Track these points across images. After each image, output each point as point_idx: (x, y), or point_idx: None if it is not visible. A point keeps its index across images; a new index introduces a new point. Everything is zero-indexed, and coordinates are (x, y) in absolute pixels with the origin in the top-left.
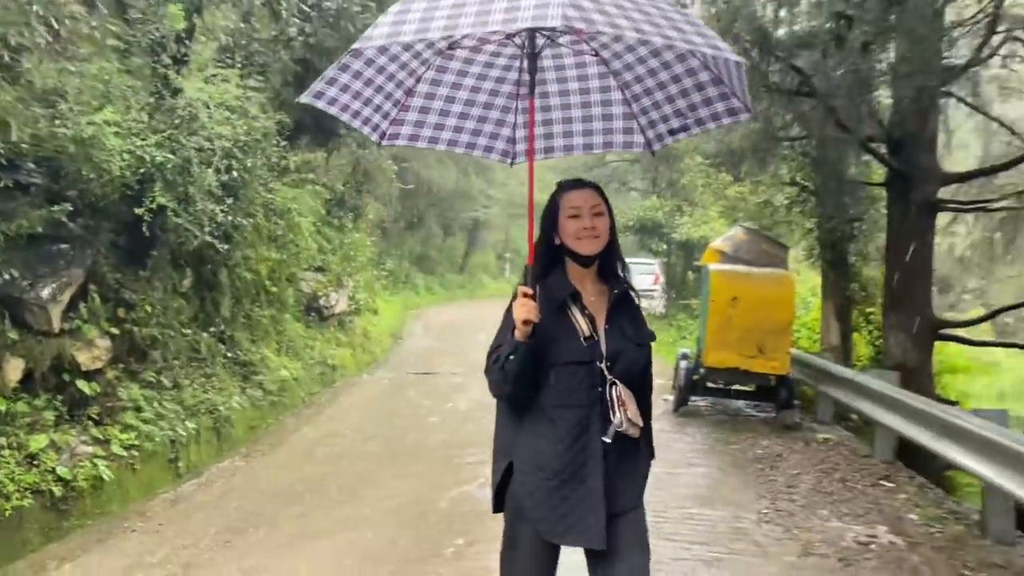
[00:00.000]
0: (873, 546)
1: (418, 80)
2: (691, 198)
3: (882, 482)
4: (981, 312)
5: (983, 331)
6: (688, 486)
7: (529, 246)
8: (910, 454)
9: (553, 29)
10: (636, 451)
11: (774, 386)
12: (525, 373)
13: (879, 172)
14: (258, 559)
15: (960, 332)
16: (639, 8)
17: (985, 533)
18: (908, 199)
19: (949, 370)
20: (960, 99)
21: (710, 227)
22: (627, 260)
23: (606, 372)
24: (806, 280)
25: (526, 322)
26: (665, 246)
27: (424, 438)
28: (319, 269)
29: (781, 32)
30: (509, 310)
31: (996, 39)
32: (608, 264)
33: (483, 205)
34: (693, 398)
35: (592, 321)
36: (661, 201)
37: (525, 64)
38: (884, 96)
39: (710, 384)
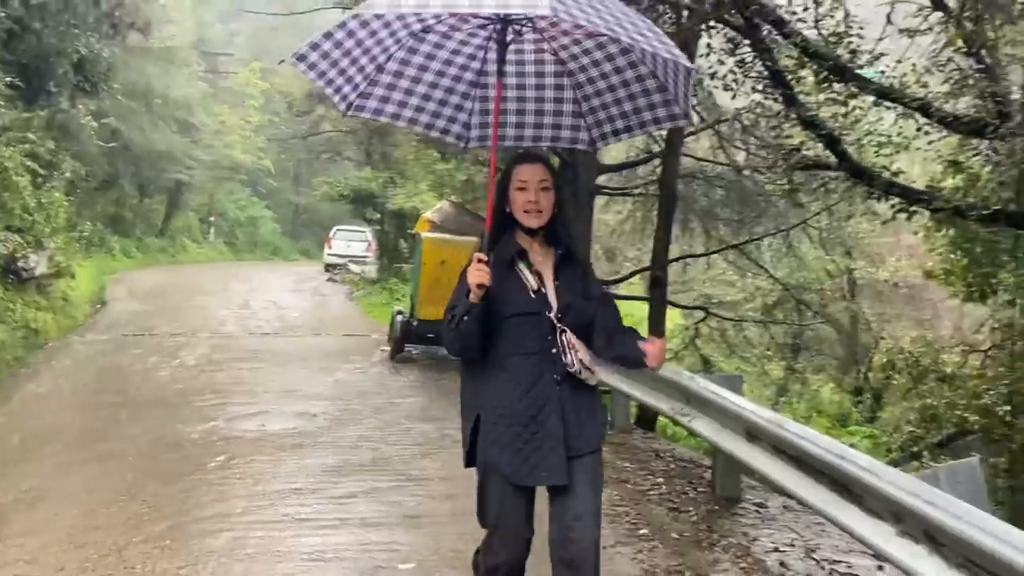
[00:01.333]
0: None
1: (389, 57)
2: (403, 171)
3: None
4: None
5: (637, 289)
6: (406, 409)
7: (488, 213)
8: None
9: (523, 25)
10: (592, 397)
11: None
12: (480, 331)
13: (554, 160)
14: (36, 481)
15: (619, 291)
16: (611, 11)
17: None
18: (575, 184)
19: None
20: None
21: (420, 199)
22: (341, 228)
23: (555, 321)
24: None
25: (480, 285)
26: (379, 215)
27: (159, 389)
28: (18, 230)
29: None
30: (464, 274)
31: None
32: (553, 231)
33: (187, 167)
34: (408, 347)
35: (540, 277)
36: (375, 173)
37: (490, 55)
38: None
39: (422, 335)
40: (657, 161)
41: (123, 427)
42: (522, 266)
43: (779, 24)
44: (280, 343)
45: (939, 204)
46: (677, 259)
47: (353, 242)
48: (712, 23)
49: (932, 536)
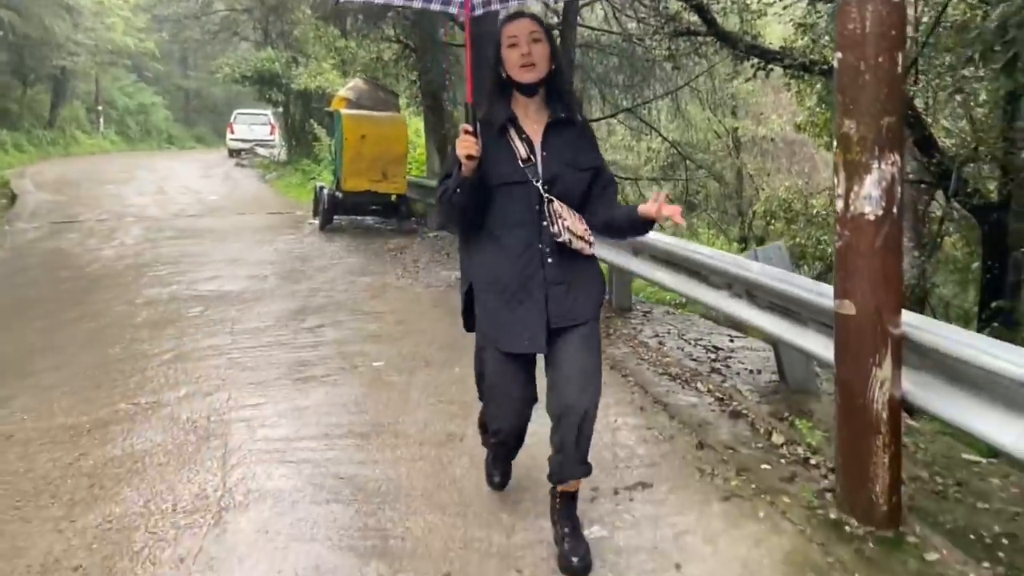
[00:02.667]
0: None
1: None
2: (304, 50)
3: None
4: None
5: None
6: (347, 267)
7: (468, 83)
8: None
9: None
10: (586, 268)
11: (395, 203)
12: (472, 203)
13: (463, 35)
14: (34, 338)
15: None
16: None
17: None
18: (482, 59)
19: None
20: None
21: (325, 78)
22: (242, 112)
23: (542, 191)
24: (412, 123)
25: (469, 157)
26: (283, 96)
27: (111, 264)
28: None
29: None
30: (455, 150)
31: None
32: (556, 92)
33: (71, 53)
34: (336, 218)
35: (531, 145)
36: (276, 52)
37: None
38: None
39: (348, 205)
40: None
41: (93, 295)
42: (512, 133)
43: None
44: (209, 222)
45: (790, 62)
46: None
47: (255, 125)
48: None
49: (751, 293)
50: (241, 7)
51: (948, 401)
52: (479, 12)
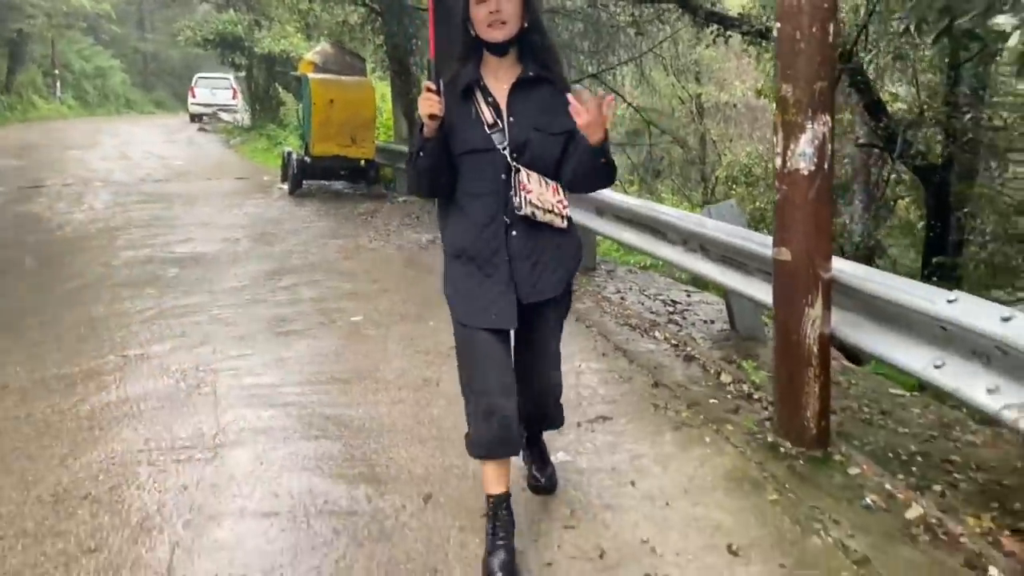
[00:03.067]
0: (436, 240)
1: None
2: (267, 13)
3: None
4: None
5: None
6: (318, 230)
7: (430, 39)
8: None
9: None
10: (559, 241)
11: (364, 168)
12: (438, 167)
13: None
14: (29, 299)
15: None
16: None
17: None
18: (448, 22)
19: None
20: None
21: (289, 41)
22: (203, 75)
23: (509, 159)
24: (379, 88)
25: (431, 117)
26: (247, 60)
27: (83, 227)
28: None
29: None
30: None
31: None
32: (529, 50)
33: (27, 16)
34: (305, 182)
35: (497, 109)
36: (239, 15)
37: None
38: None
39: (317, 170)
40: None
41: (69, 257)
42: (478, 96)
43: None
44: (177, 187)
45: (747, 28)
46: None
47: (217, 90)
48: None
49: (704, 247)
50: None
51: (871, 336)
52: None
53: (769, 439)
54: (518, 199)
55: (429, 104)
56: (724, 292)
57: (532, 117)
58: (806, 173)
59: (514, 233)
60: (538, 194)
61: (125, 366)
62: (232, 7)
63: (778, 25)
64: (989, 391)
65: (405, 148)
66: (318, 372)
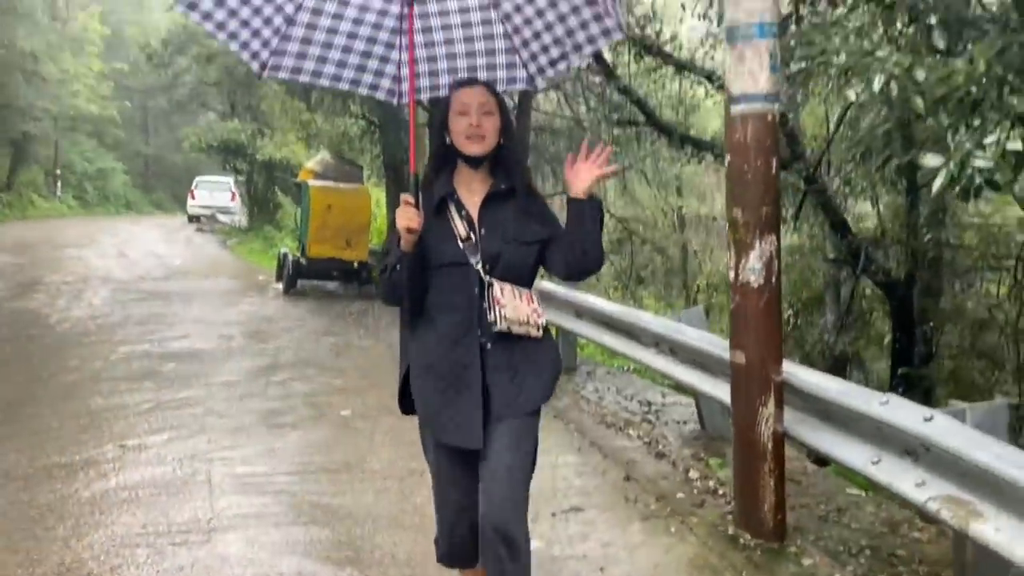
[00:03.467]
0: None
1: (299, 8)
2: (270, 122)
3: None
4: None
5: None
6: (310, 329)
7: (411, 155)
8: None
9: None
10: (536, 354)
11: (357, 269)
12: (414, 280)
13: (423, 117)
14: (24, 377)
15: None
16: None
17: None
18: (442, 136)
19: None
20: None
21: (290, 149)
22: (204, 179)
23: (482, 273)
24: (375, 194)
25: (409, 230)
26: (248, 165)
27: (83, 324)
28: None
29: None
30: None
31: None
32: (502, 165)
33: (34, 118)
34: (300, 282)
35: (471, 222)
36: (243, 124)
37: None
38: None
39: (312, 271)
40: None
41: (67, 352)
42: (452, 209)
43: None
44: (175, 285)
45: (719, 151)
46: None
47: (217, 192)
48: None
49: (674, 350)
50: (211, 80)
51: (819, 435)
52: (426, 96)
53: (730, 531)
54: (492, 315)
55: (408, 217)
56: (694, 393)
57: (504, 228)
58: (755, 286)
59: (489, 347)
60: (512, 307)
61: (124, 455)
62: (237, 116)
63: (728, 158)
64: (917, 485)
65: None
66: (308, 462)
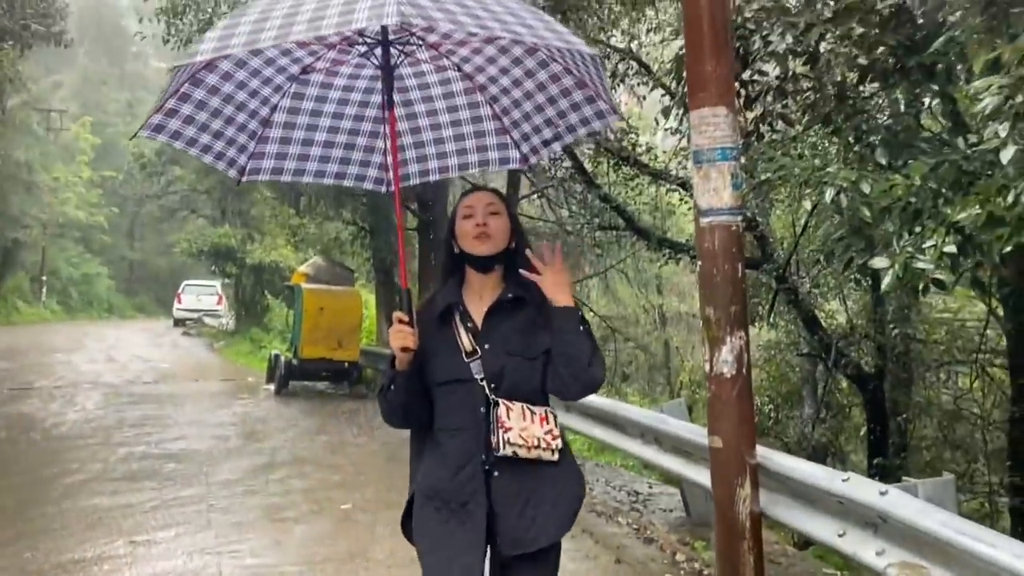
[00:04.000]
0: None
1: (274, 109)
2: (260, 227)
3: None
4: None
5: None
6: (304, 428)
7: (401, 269)
8: None
9: (410, 44)
10: (553, 475)
11: (347, 369)
12: (411, 401)
13: (413, 221)
14: (26, 478)
15: None
16: (483, 5)
17: None
18: (430, 239)
19: None
20: (464, 178)
21: (279, 253)
22: (190, 283)
23: (488, 391)
24: (365, 296)
25: (404, 349)
26: (237, 269)
27: (78, 427)
28: None
29: None
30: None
31: None
32: (512, 269)
33: (24, 226)
34: (292, 383)
35: (477, 335)
36: (233, 229)
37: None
38: None
39: (304, 372)
40: None
41: (66, 454)
42: (457, 320)
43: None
44: (165, 388)
45: (694, 253)
46: None
47: (203, 296)
48: None
49: (658, 440)
50: (203, 188)
51: (791, 512)
52: (415, 181)
53: None
54: (496, 438)
55: (402, 336)
56: (679, 482)
57: (507, 342)
58: (729, 376)
59: (496, 474)
60: (519, 430)
61: (135, 550)
62: (227, 221)
63: (699, 263)
64: (877, 553)
65: (384, 351)
66: (314, 553)
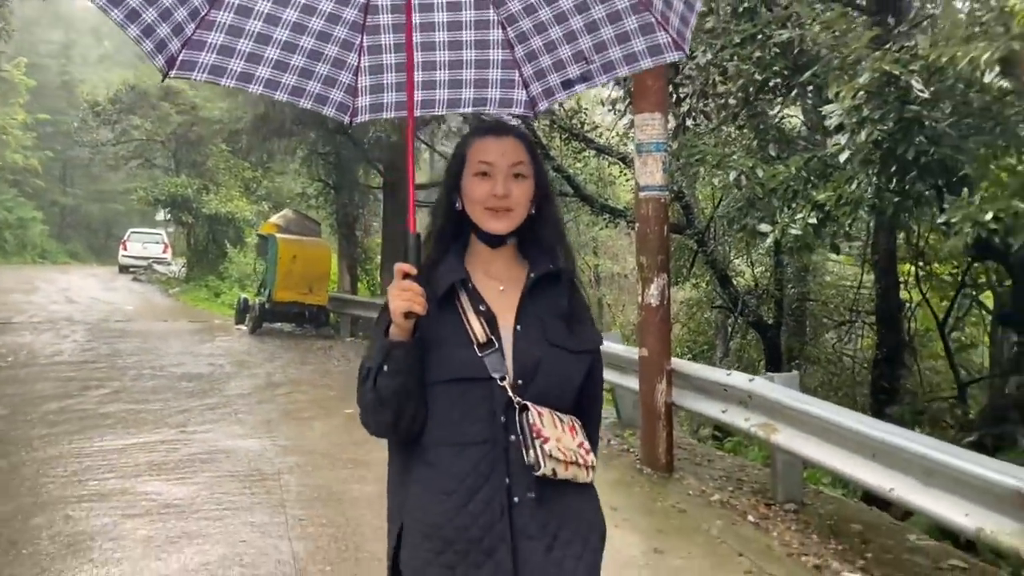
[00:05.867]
0: None
1: None
2: (214, 178)
3: None
4: None
5: None
6: (289, 359)
7: (410, 209)
8: None
9: None
10: (582, 504)
11: (317, 313)
12: (408, 390)
13: (377, 179)
14: (71, 387)
15: None
16: None
17: None
18: (394, 197)
19: None
20: (422, 141)
21: (235, 204)
22: (136, 231)
23: (511, 392)
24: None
25: (408, 315)
26: (193, 218)
27: (78, 355)
28: None
29: None
30: (385, 309)
31: None
32: (534, 239)
33: None
34: (265, 324)
35: (491, 321)
36: (188, 179)
37: None
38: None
39: (276, 313)
40: None
41: (83, 375)
42: (464, 302)
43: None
44: (141, 326)
45: (631, 217)
46: None
47: (149, 244)
48: None
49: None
50: (160, 138)
51: (693, 401)
52: (387, 114)
53: (638, 467)
54: (533, 452)
55: (408, 296)
56: (612, 391)
57: (547, 329)
58: (655, 306)
59: (516, 500)
60: (555, 440)
61: (185, 437)
62: (182, 172)
63: (637, 225)
64: (745, 420)
65: (348, 297)
66: (335, 439)
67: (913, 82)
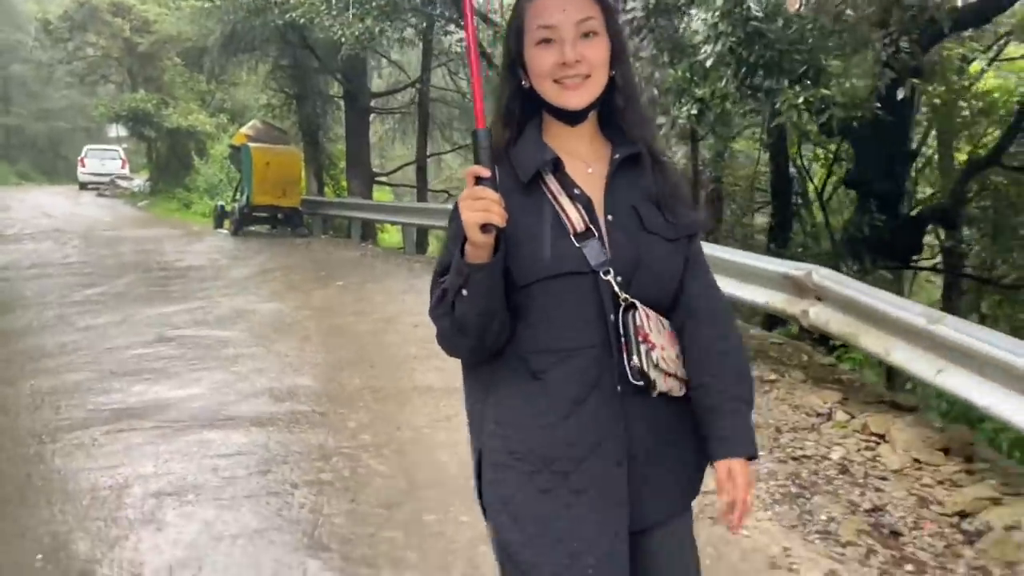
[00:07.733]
0: (369, 255)
1: None
2: (172, 92)
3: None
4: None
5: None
6: (276, 252)
7: (476, 98)
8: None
9: None
10: (683, 417)
11: (291, 214)
12: (492, 310)
13: (337, 88)
14: (106, 280)
15: (384, 179)
16: None
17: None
18: (354, 106)
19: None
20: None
21: (195, 118)
22: (93, 147)
23: (616, 288)
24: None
25: (484, 228)
26: (155, 133)
27: (85, 255)
28: None
29: None
30: (456, 214)
31: None
32: (610, 113)
33: None
34: (244, 226)
35: (588, 207)
36: (148, 95)
37: None
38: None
39: (256, 216)
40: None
41: (99, 272)
42: (552, 187)
43: (484, 18)
44: (129, 234)
45: None
46: (430, 155)
47: (107, 160)
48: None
49: None
50: (114, 55)
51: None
52: None
53: None
54: (639, 358)
55: (483, 205)
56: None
57: (641, 213)
58: None
59: (629, 411)
60: (660, 347)
61: (215, 300)
62: (140, 88)
63: None
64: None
65: (318, 199)
66: (333, 300)
67: (751, 3)
